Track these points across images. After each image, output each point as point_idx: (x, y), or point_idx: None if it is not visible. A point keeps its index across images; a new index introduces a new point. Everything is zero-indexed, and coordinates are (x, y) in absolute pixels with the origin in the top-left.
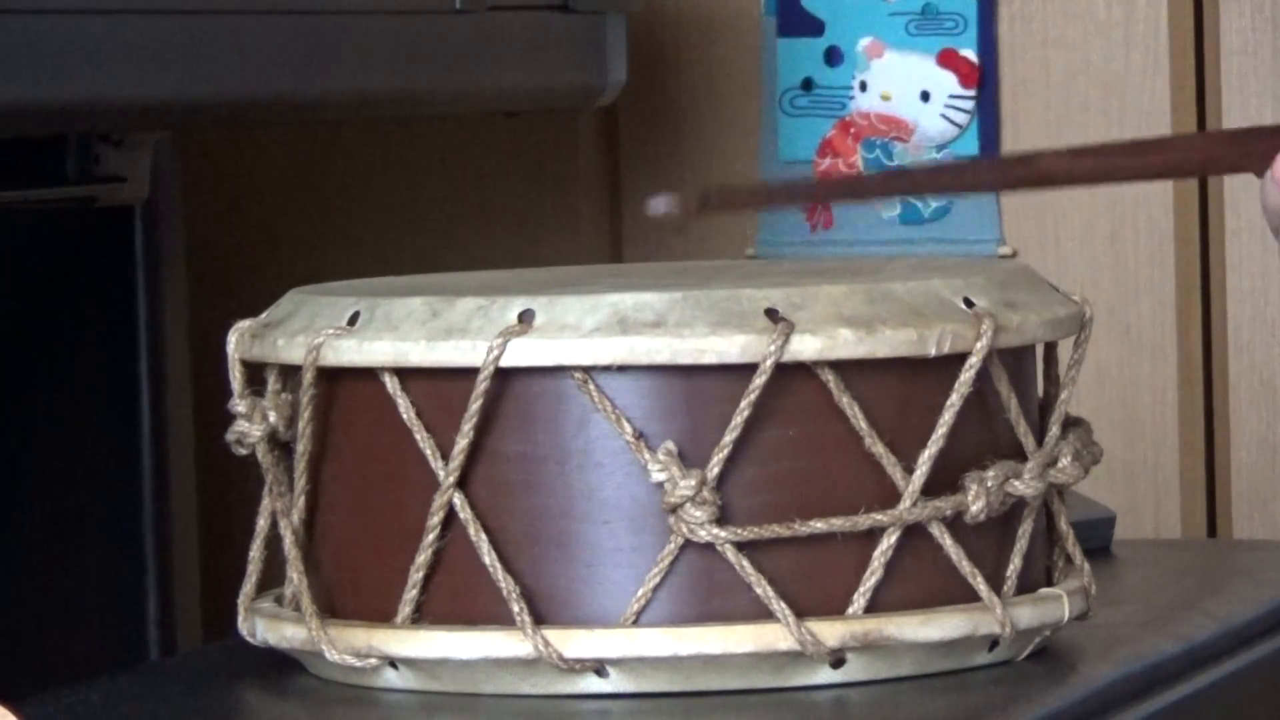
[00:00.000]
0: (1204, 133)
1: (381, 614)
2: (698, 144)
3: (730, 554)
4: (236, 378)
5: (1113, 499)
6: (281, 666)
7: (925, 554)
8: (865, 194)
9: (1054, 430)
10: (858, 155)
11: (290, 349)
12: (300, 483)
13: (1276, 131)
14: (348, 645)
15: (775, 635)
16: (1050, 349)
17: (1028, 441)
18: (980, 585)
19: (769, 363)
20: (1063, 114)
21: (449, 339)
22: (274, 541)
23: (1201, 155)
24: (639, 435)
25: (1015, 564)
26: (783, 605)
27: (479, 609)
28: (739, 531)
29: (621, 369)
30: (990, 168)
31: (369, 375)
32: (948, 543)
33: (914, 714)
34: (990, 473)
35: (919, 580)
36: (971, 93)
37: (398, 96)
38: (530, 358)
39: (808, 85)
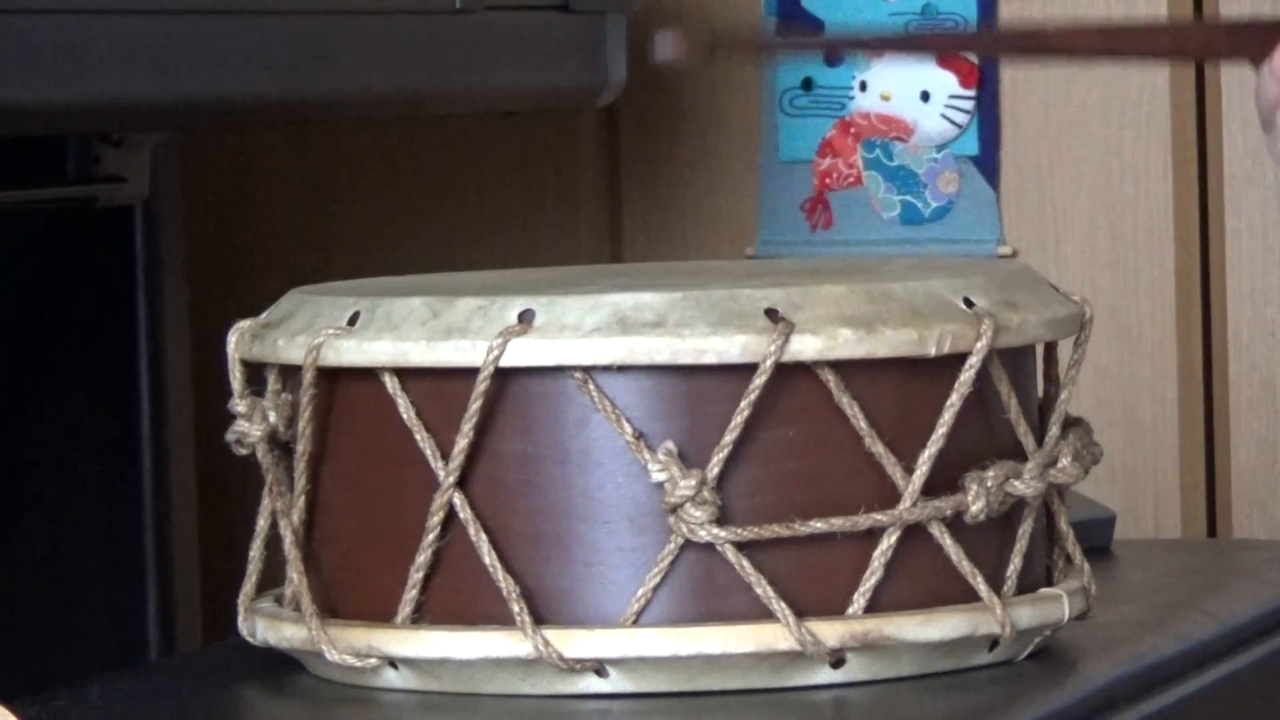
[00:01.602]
0: (1206, 21)
1: (381, 614)
2: (698, 144)
3: (730, 554)
4: (236, 378)
5: (1113, 499)
6: (281, 666)
7: (925, 554)
8: (874, 49)
9: (1054, 430)
10: (858, 155)
11: (290, 349)
12: (300, 483)
13: (1276, 26)
14: (348, 645)
15: (775, 635)
16: (1050, 349)
17: (1028, 441)
18: (980, 585)
19: (769, 363)
20: (1063, 114)
21: (449, 339)
22: (274, 541)
23: (1202, 41)
24: (639, 435)
25: (1015, 564)
26: (783, 605)
27: (479, 609)
28: (739, 531)
29: (621, 369)
30: (998, 37)
31: (369, 375)
32: (948, 543)
33: (914, 714)
34: (990, 473)
35: (919, 580)
36: (971, 93)
37: (398, 96)
38: (530, 358)
39: (808, 85)
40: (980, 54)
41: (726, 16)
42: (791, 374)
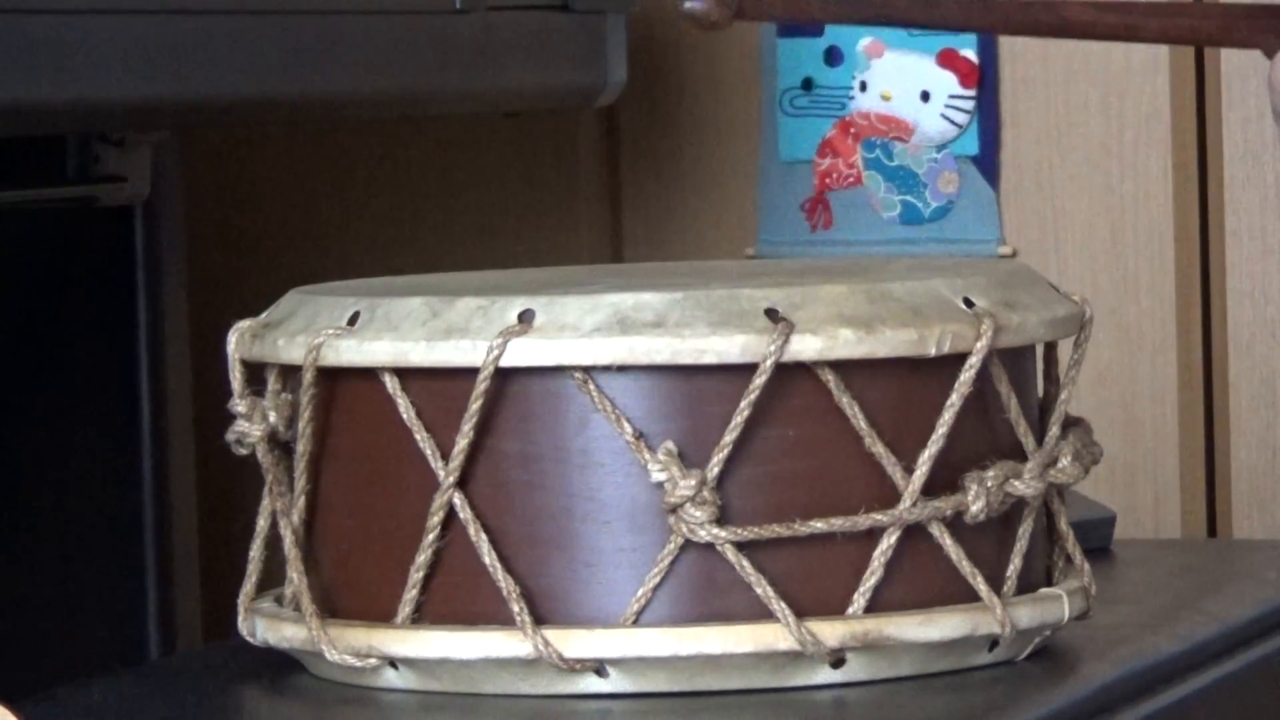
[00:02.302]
0: (1222, 4)
1: (381, 614)
2: (698, 144)
3: (730, 554)
4: (236, 378)
5: (1113, 499)
6: (281, 666)
7: (925, 554)
8: (893, 18)
9: (1054, 430)
10: (858, 155)
11: (290, 349)
12: (300, 483)
13: None
14: (348, 645)
15: (775, 635)
16: (1050, 349)
17: (1028, 441)
18: (980, 585)
19: (769, 363)
20: (1063, 114)
21: (449, 339)
22: (274, 541)
23: (1218, 24)
24: (639, 435)
25: (1015, 564)
26: (783, 605)
27: (479, 609)
28: (739, 531)
29: (621, 369)
30: (1010, 10)
31: (369, 375)
32: (948, 543)
33: (914, 714)
34: (990, 473)
35: (919, 580)
36: (971, 93)
37: (398, 96)
38: (530, 358)
39: (808, 85)
40: (1000, 29)
41: None
42: (791, 374)
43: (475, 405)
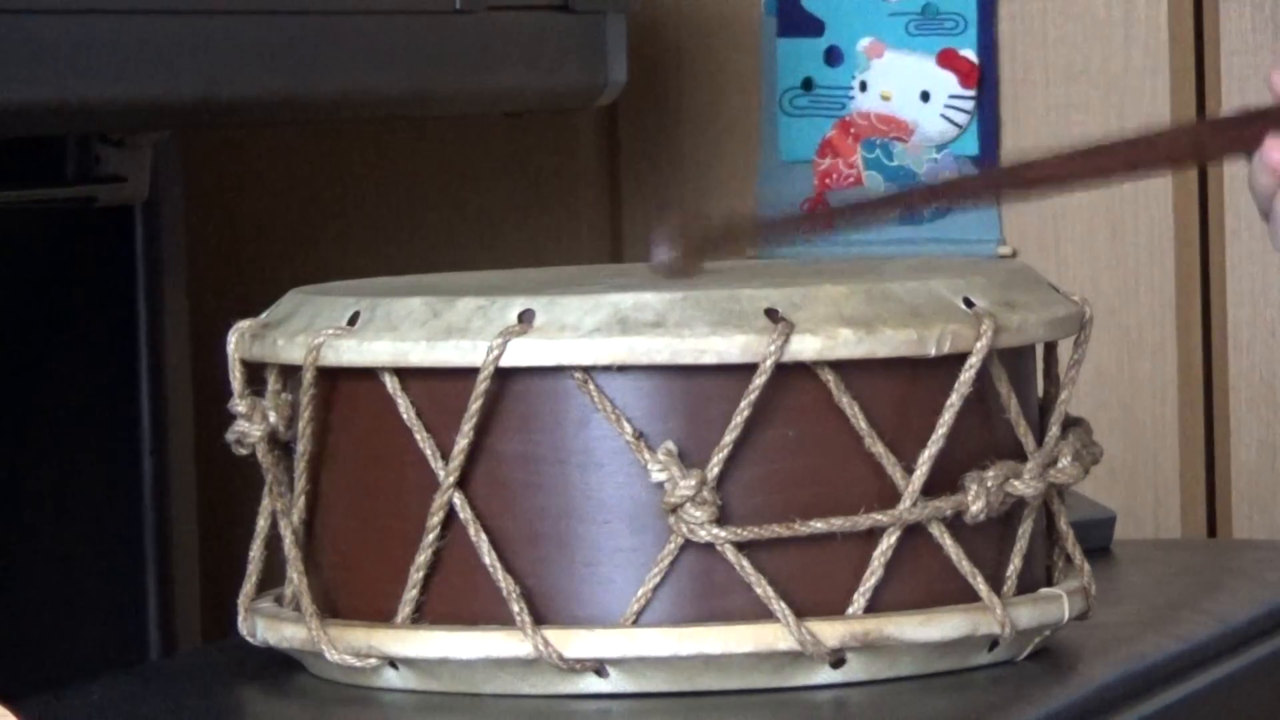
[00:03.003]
0: (1193, 121)
1: (381, 614)
2: (698, 144)
3: (730, 554)
4: (236, 378)
5: (1113, 499)
6: (281, 666)
7: (925, 554)
8: (865, 219)
9: (1054, 430)
10: (858, 155)
11: (290, 349)
12: (300, 483)
13: (1264, 114)
14: (348, 645)
15: (775, 635)
16: (1050, 349)
17: (1028, 441)
18: (980, 585)
19: (769, 363)
20: (1063, 114)
21: (449, 339)
22: (274, 541)
23: (1191, 144)
24: (639, 435)
25: (1015, 564)
26: (783, 605)
27: (479, 609)
28: (739, 531)
29: (621, 369)
30: (982, 181)
31: (369, 375)
32: (948, 543)
33: (914, 714)
34: (990, 473)
35: (919, 580)
36: (971, 93)
37: (398, 96)
38: (530, 358)
39: (808, 85)
40: (973, 201)
41: (725, 14)
42: (791, 374)
43: (475, 405)
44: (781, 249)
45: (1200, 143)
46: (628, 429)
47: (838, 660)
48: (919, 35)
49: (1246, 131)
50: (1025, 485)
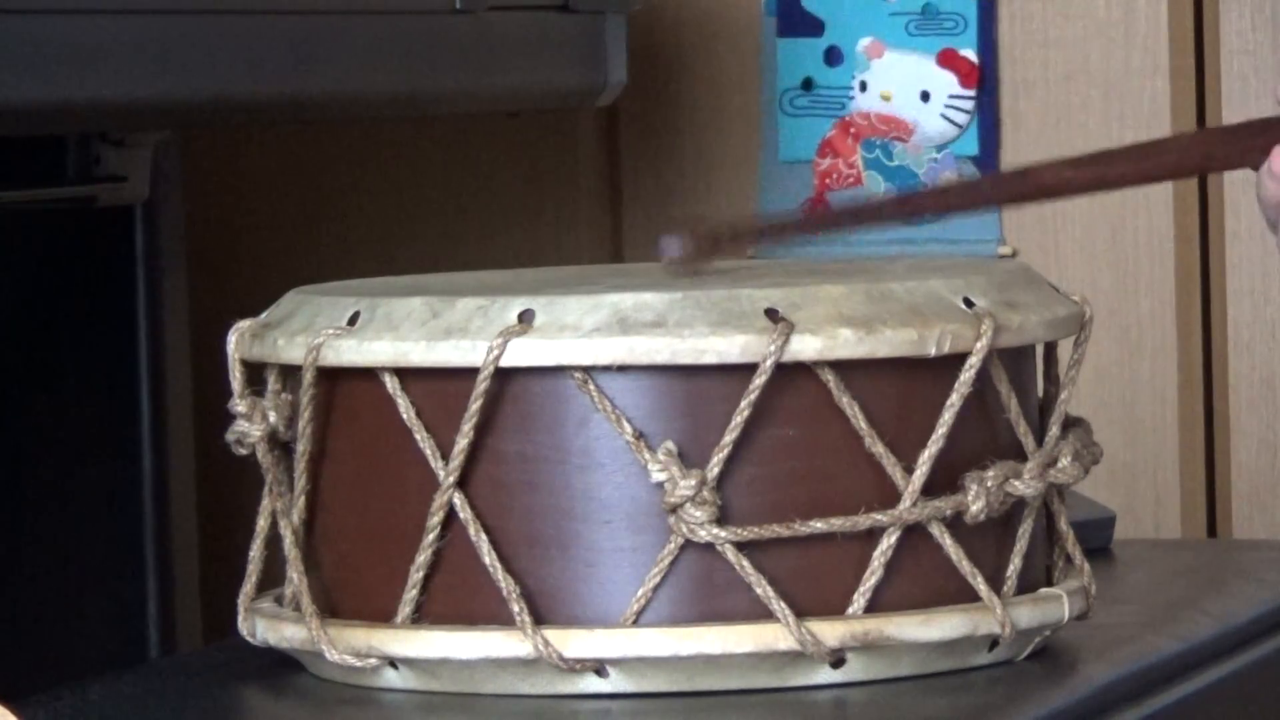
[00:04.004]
0: (1199, 131)
1: (381, 614)
2: (698, 144)
3: (730, 554)
4: (236, 378)
5: (1113, 499)
6: (281, 666)
7: (925, 554)
8: (868, 221)
9: (1054, 430)
10: (858, 155)
11: (290, 349)
12: (300, 483)
13: (1271, 125)
14: (348, 645)
15: (775, 635)
16: (1050, 349)
17: (1028, 441)
18: (980, 585)
19: (769, 363)
20: (1063, 114)
21: (449, 339)
22: (274, 541)
23: (1198, 155)
24: (639, 435)
25: (1015, 564)
26: (783, 605)
27: (479, 609)
28: (739, 531)
29: (621, 369)
30: (986, 186)
31: (369, 375)
32: (948, 543)
33: (914, 714)
34: (990, 473)
35: (919, 580)
36: (971, 93)
37: (398, 96)
38: (530, 358)
39: (808, 85)
40: (977, 207)
41: (725, 14)
42: (791, 374)
43: (475, 405)
44: (781, 249)
45: (1209, 153)
46: (628, 429)
47: (838, 660)
48: (919, 35)
49: (1255, 142)
50: (1025, 485)
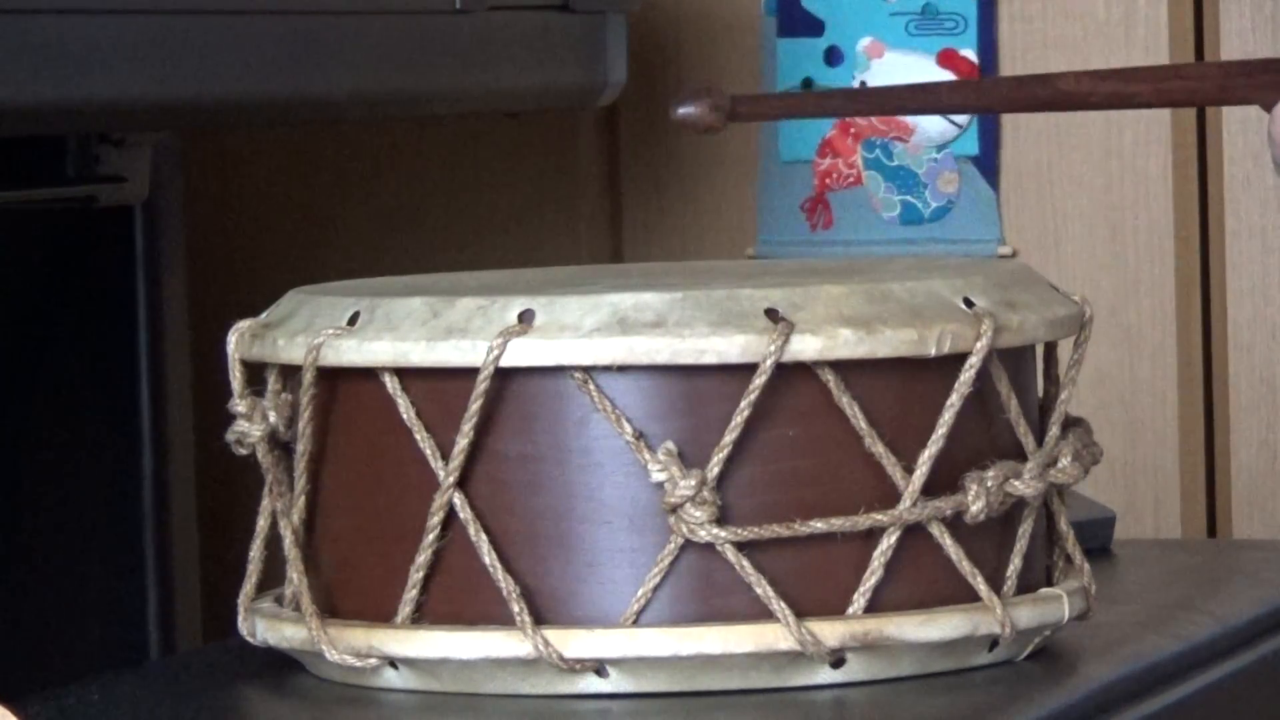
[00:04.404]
0: (1219, 62)
1: (381, 614)
2: (698, 144)
3: (730, 554)
4: (236, 378)
5: (1113, 499)
6: (281, 666)
7: (925, 554)
8: (894, 108)
9: (1054, 430)
10: (858, 155)
11: (290, 349)
12: (300, 483)
13: None
14: (348, 645)
15: (775, 635)
16: (1050, 349)
17: (1028, 441)
18: (980, 585)
19: (769, 363)
20: (1063, 114)
21: (449, 339)
22: (274, 541)
23: (1215, 84)
24: (639, 435)
25: (1015, 564)
26: (783, 605)
27: (479, 609)
28: (739, 531)
29: (621, 369)
30: (1011, 87)
31: (369, 375)
32: (948, 543)
33: (914, 714)
34: (990, 473)
35: (919, 580)
36: None
37: (398, 96)
38: (530, 358)
39: (808, 85)
40: (991, 106)
41: (725, 14)
42: (791, 374)
43: (475, 405)
44: (781, 249)
45: (1225, 84)
46: (628, 429)
47: (838, 660)
48: (919, 35)
49: (1269, 79)
50: (1025, 485)
